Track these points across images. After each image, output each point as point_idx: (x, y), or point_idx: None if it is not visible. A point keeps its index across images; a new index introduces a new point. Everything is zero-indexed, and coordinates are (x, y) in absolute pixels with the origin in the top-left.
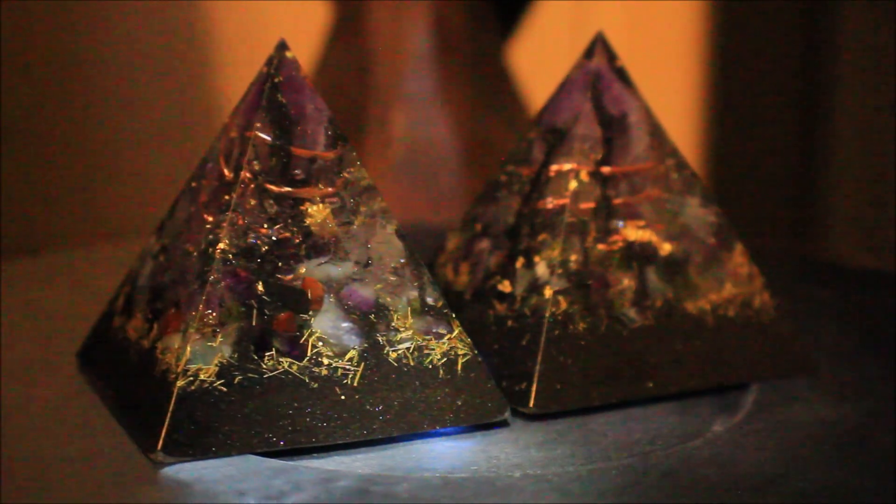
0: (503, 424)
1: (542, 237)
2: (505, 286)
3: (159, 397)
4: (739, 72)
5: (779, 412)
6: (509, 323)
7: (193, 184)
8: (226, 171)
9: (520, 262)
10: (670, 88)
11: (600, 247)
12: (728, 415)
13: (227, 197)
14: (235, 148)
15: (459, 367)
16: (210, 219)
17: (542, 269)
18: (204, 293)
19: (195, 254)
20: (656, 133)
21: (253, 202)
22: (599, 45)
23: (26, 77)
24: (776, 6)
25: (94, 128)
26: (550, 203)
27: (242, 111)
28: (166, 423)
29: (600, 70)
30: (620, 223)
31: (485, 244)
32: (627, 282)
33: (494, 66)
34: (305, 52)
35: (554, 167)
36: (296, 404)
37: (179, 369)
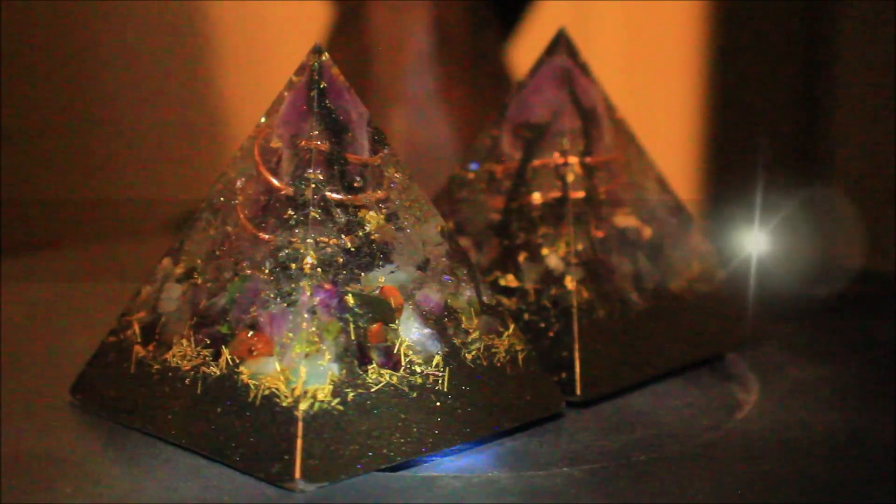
0: (558, 416)
1: (543, 230)
2: (510, 281)
3: (272, 423)
4: (739, 72)
5: (784, 376)
6: (526, 316)
7: (221, 199)
8: (276, 183)
9: (522, 257)
10: (670, 88)
11: (599, 234)
12: (739, 384)
13: (290, 212)
14: (285, 159)
15: (520, 362)
16: (268, 236)
17: (554, 261)
18: (304, 311)
19: (262, 273)
20: (618, 123)
21: (323, 213)
22: (563, 42)
23: (26, 77)
24: (776, 7)
25: (94, 129)
26: (543, 196)
27: (284, 119)
28: (299, 450)
29: (568, 66)
30: (610, 211)
31: (464, 242)
32: (626, 267)
33: (494, 66)
34: (305, 52)
35: (538, 161)
36: (402, 416)
37: (297, 392)
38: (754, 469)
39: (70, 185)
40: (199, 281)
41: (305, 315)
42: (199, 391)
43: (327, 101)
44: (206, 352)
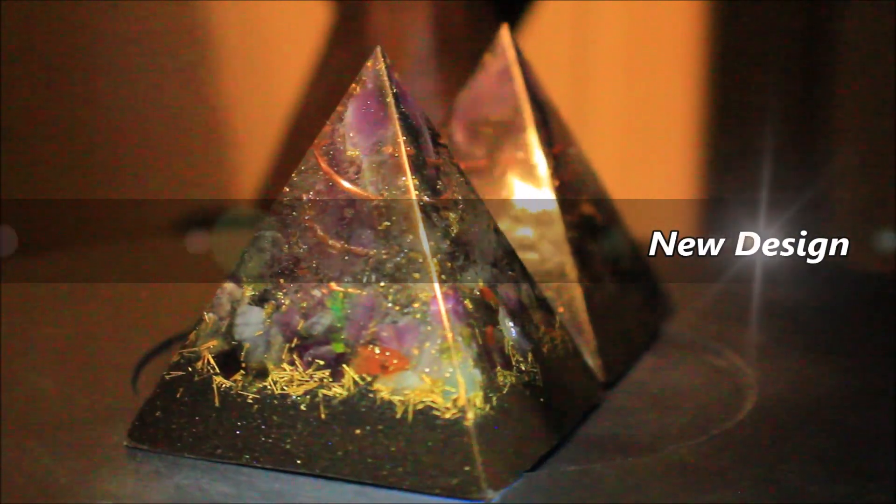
0: (599, 401)
1: (530, 224)
2: None
3: (438, 437)
4: (739, 72)
5: (745, 341)
6: None
7: (292, 215)
8: (363, 193)
9: None
10: (670, 88)
11: (575, 222)
12: (718, 354)
13: (387, 222)
14: (366, 168)
15: (571, 352)
16: (362, 250)
17: (548, 251)
18: (444, 319)
19: (371, 286)
20: (559, 116)
21: (425, 220)
22: (506, 39)
23: (26, 77)
24: (776, 7)
25: (95, 129)
26: (519, 190)
27: (357, 128)
28: (479, 462)
29: (517, 61)
30: (576, 199)
31: None
32: (598, 252)
33: None
34: (305, 52)
35: (506, 156)
36: (526, 414)
37: (461, 403)
38: (824, 418)
39: (70, 185)
40: (287, 302)
41: (446, 323)
42: (322, 416)
43: (402, 107)
44: (320, 373)
